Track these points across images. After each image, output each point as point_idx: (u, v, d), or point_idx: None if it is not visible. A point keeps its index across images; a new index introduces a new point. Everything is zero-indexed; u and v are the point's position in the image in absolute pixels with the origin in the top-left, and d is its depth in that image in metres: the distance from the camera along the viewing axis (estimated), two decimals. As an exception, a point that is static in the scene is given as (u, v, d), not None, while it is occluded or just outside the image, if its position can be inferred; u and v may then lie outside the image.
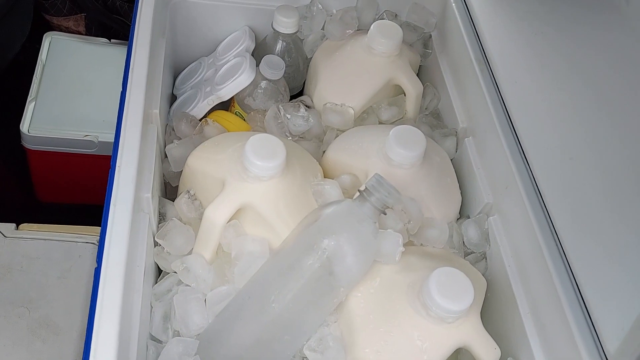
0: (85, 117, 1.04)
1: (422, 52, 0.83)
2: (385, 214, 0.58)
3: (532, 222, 0.60)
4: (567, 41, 0.63)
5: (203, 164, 0.65)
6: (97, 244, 0.88)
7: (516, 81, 0.66)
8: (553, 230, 0.59)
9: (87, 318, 0.82)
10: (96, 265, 0.50)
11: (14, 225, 0.88)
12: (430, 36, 0.84)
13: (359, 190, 0.58)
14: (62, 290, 0.84)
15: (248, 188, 0.61)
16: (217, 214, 0.60)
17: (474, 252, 0.67)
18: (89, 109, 1.05)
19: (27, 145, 1.02)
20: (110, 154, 1.03)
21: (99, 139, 1.02)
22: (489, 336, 0.57)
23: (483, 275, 0.64)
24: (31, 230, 0.88)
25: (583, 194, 0.57)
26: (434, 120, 0.77)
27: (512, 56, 0.69)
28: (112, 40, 1.16)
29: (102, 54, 1.14)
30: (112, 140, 1.00)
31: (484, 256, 0.67)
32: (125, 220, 0.52)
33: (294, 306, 0.57)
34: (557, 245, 0.59)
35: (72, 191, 1.13)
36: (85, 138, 1.02)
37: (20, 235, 0.87)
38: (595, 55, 0.59)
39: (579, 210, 0.57)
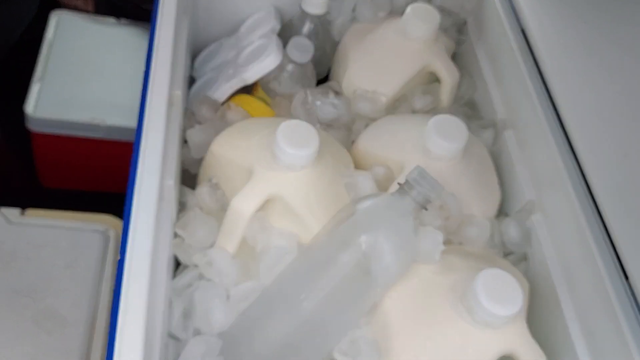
0: (92, 100, 1.01)
1: (457, 38, 0.79)
2: (426, 209, 0.54)
3: (582, 222, 0.56)
4: (622, 28, 0.59)
5: (228, 151, 0.61)
6: (106, 232, 0.85)
7: (564, 71, 0.62)
8: (605, 231, 0.55)
9: (94, 310, 0.79)
10: (119, 257, 0.45)
11: (19, 210, 0.84)
12: (466, 22, 0.80)
13: (398, 183, 0.54)
14: (69, 280, 0.81)
15: (278, 178, 0.57)
16: (244, 204, 0.56)
17: (515, 253, 0.63)
18: (96, 91, 1.02)
19: (32, 127, 0.98)
20: (119, 139, 1.00)
21: (107, 123, 0.99)
22: (536, 343, 0.53)
23: (524, 276, 0.61)
24: (37, 217, 0.84)
25: (639, 194, 0.53)
26: (469, 111, 0.74)
27: (560, 44, 0.65)
28: (121, 19, 1.12)
29: (111, 34, 1.10)
30: (120, 124, 0.98)
31: (524, 257, 0.63)
32: (150, 209, 0.48)
33: (327, 306, 0.53)
34: (608, 247, 0.55)
35: (77, 177, 1.10)
36: (93, 121, 0.98)
37: (26, 222, 0.83)
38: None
39: (635, 211, 0.53)
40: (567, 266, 0.58)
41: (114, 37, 1.10)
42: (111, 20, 1.12)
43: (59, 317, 0.78)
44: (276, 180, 0.57)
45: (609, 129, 0.58)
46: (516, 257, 0.63)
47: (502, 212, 0.68)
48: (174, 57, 0.59)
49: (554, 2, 0.68)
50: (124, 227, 0.47)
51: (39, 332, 0.76)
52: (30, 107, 0.97)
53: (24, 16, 1.08)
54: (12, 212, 0.83)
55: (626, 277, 0.53)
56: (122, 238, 0.46)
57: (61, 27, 1.08)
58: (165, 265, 0.53)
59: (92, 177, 1.08)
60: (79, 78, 1.03)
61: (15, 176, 1.11)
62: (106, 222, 0.87)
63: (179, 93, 0.62)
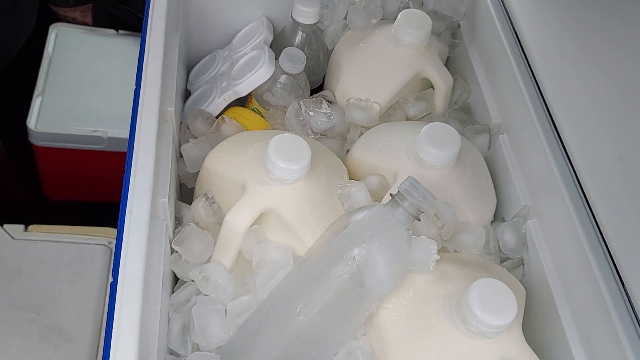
0: (93, 112, 1.02)
1: (451, 42, 0.78)
2: (419, 219, 0.54)
3: (577, 227, 0.56)
4: (615, 30, 0.58)
5: (222, 165, 0.61)
6: (109, 245, 0.86)
7: (557, 74, 0.62)
8: (600, 236, 0.55)
9: (99, 323, 0.80)
10: (112, 280, 0.46)
11: (22, 226, 0.85)
12: (459, 25, 0.79)
13: (390, 194, 0.54)
14: (73, 294, 0.81)
15: (270, 192, 0.57)
16: (237, 219, 0.57)
17: (511, 258, 0.63)
18: (97, 103, 1.03)
19: (34, 141, 0.99)
20: (120, 150, 1.01)
21: (108, 135, 1.00)
22: (532, 351, 0.53)
23: (520, 282, 0.61)
24: (40, 232, 0.85)
25: (634, 198, 0.53)
26: (464, 116, 0.73)
27: (552, 47, 0.64)
28: (120, 31, 1.12)
29: (110, 45, 1.11)
30: (122, 136, 0.99)
31: (521, 262, 0.63)
32: (142, 230, 0.48)
33: (322, 319, 0.53)
34: (604, 252, 0.54)
35: (81, 188, 1.10)
36: (94, 134, 0.99)
37: (29, 237, 0.84)
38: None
39: (630, 216, 0.53)
40: (563, 271, 0.58)
41: (114, 48, 1.10)
42: (110, 31, 1.12)
43: (65, 331, 0.79)
44: (269, 195, 0.57)
45: (603, 132, 0.58)
46: (512, 262, 0.63)
47: (497, 217, 0.67)
48: (164, 74, 0.60)
49: (546, 3, 0.68)
50: (115, 248, 0.47)
51: (45, 347, 0.77)
52: (32, 121, 0.98)
53: (23, 30, 1.08)
54: (16, 229, 0.84)
55: (622, 282, 0.53)
56: (114, 260, 0.47)
57: (60, 40, 1.09)
58: (161, 282, 0.54)
59: (95, 188, 1.08)
60: (79, 90, 1.03)
61: (20, 190, 1.12)
62: (109, 235, 0.87)
63: (171, 110, 0.62)
